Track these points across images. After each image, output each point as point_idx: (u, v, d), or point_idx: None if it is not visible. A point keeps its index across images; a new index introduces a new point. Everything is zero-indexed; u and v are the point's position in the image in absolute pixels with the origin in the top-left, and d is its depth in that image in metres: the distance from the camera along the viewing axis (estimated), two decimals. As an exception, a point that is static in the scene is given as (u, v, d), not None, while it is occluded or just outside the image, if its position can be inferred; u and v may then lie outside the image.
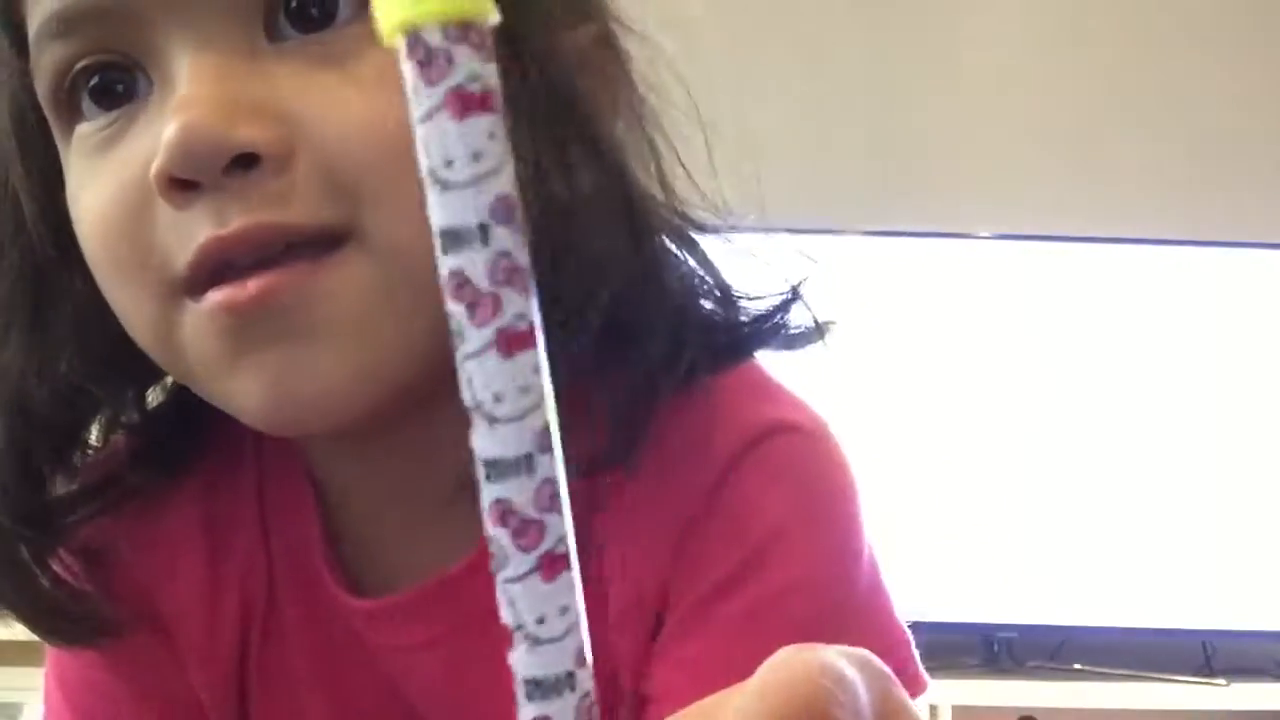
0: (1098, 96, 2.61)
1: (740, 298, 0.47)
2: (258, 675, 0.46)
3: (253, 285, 0.37)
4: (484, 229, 0.19)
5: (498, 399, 0.19)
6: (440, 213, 0.19)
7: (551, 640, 0.20)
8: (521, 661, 0.20)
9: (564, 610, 0.20)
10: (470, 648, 0.42)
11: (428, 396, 0.40)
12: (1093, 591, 2.14)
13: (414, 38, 0.19)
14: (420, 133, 0.19)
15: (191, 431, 0.46)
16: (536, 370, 0.19)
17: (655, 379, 0.42)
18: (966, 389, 2.21)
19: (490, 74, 0.19)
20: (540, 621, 0.20)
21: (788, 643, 0.22)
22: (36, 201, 0.41)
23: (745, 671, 0.22)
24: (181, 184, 0.36)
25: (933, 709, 1.88)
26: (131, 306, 0.40)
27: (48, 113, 0.41)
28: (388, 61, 0.20)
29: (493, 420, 0.19)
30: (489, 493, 0.19)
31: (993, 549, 2.15)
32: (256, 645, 0.46)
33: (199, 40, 0.37)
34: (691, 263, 0.46)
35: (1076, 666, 2.07)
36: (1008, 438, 2.20)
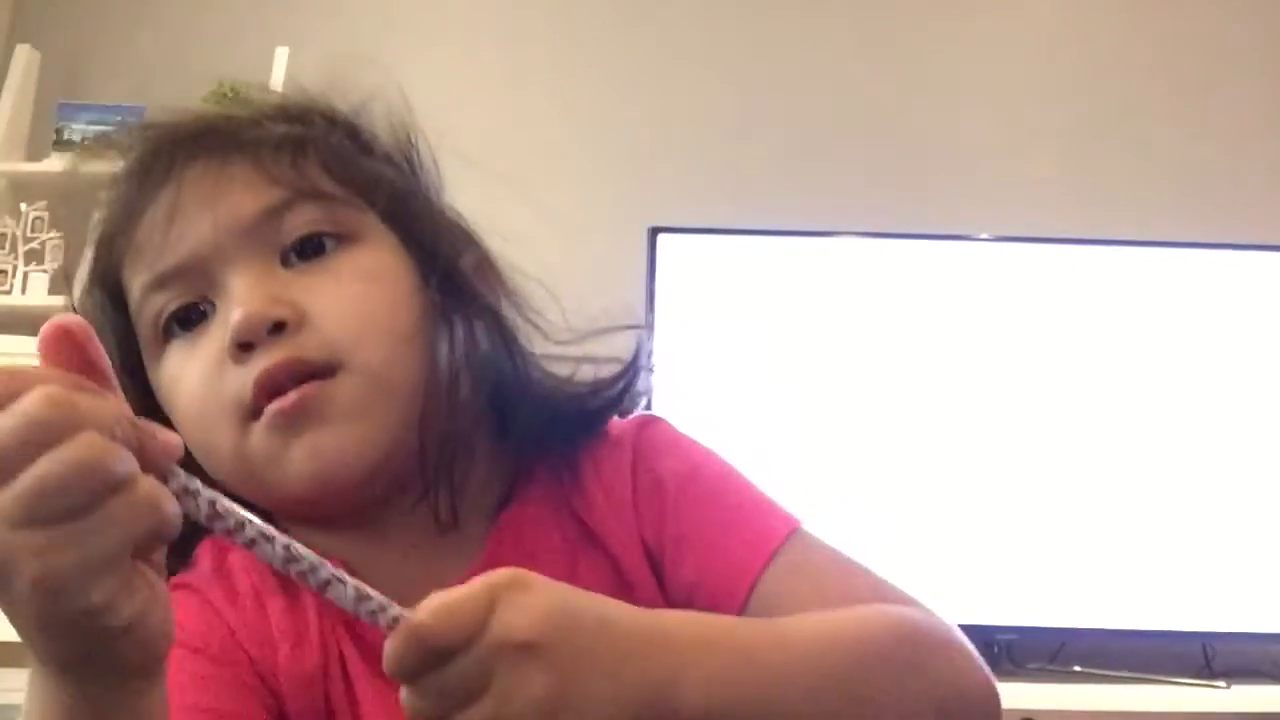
0: (1096, 99, 2.61)
1: (592, 389, 0.70)
2: (339, 705, 0.61)
3: (291, 395, 0.60)
4: None
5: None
6: None
7: None
8: None
9: None
10: None
11: (403, 472, 0.64)
12: (1092, 593, 2.14)
13: None
14: None
15: None
16: None
17: (574, 436, 0.70)
18: (966, 391, 2.21)
19: None
20: None
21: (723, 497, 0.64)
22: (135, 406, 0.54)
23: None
24: (242, 346, 0.60)
25: (933, 711, 1.88)
26: (217, 442, 0.62)
27: (147, 343, 0.64)
28: (355, 267, 0.59)
29: None
30: None
31: (993, 551, 2.15)
32: (336, 681, 0.62)
33: (242, 273, 0.62)
34: (554, 373, 0.70)
35: (1076, 668, 2.07)
36: (1008, 440, 2.19)
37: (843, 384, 2.20)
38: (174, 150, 0.64)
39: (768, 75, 2.64)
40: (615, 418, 0.71)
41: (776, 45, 2.66)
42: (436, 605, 0.45)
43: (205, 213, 0.62)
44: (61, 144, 2.53)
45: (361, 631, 0.61)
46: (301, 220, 0.64)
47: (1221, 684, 1.96)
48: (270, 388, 0.60)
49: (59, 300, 2.68)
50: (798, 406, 2.18)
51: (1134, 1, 2.68)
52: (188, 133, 0.65)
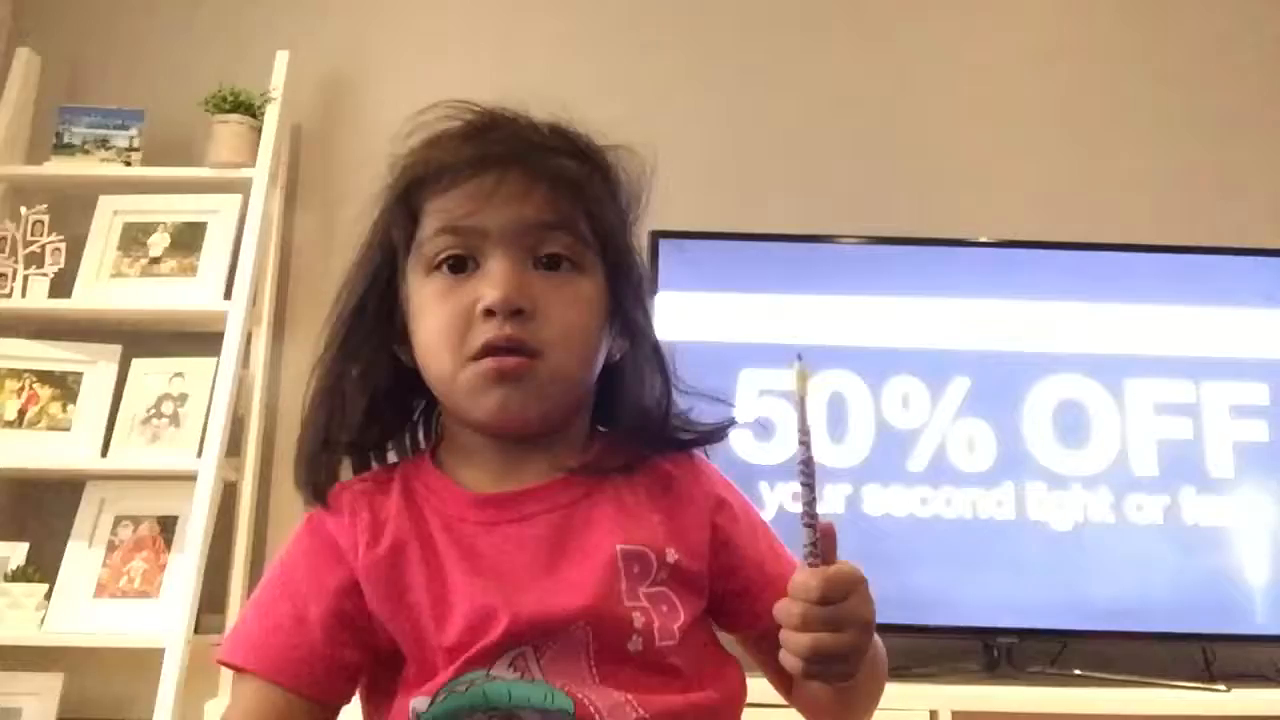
0: (1095, 105, 2.61)
1: (687, 425, 0.96)
2: (444, 542, 0.87)
3: (510, 361, 0.85)
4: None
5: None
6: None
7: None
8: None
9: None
10: (556, 525, 0.88)
11: (551, 427, 0.91)
12: (1093, 597, 2.14)
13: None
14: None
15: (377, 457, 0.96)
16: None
17: (656, 446, 0.95)
18: (966, 394, 2.21)
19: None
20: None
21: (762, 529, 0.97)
22: (377, 311, 0.93)
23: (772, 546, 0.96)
24: (488, 313, 0.85)
25: (933, 714, 1.88)
26: (441, 363, 0.87)
27: (418, 261, 0.90)
28: (576, 291, 0.89)
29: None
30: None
31: (993, 555, 2.15)
32: (440, 534, 0.88)
33: (507, 258, 0.87)
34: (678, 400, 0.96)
35: (1076, 672, 2.07)
36: (1008, 442, 2.19)
37: (843, 387, 2.21)
38: (510, 151, 0.89)
39: (767, 80, 2.64)
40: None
41: (776, 50, 2.66)
42: (846, 566, 0.83)
43: (508, 206, 0.86)
44: (62, 147, 2.53)
45: (445, 524, 0.89)
46: (557, 243, 0.88)
47: (1221, 687, 1.96)
48: (491, 347, 0.85)
49: (58, 304, 2.67)
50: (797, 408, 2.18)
51: (1132, 7, 2.69)
52: (526, 144, 0.90)
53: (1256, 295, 2.26)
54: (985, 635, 2.14)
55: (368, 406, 0.92)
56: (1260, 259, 2.29)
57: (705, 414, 0.96)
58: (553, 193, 0.88)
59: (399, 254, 0.91)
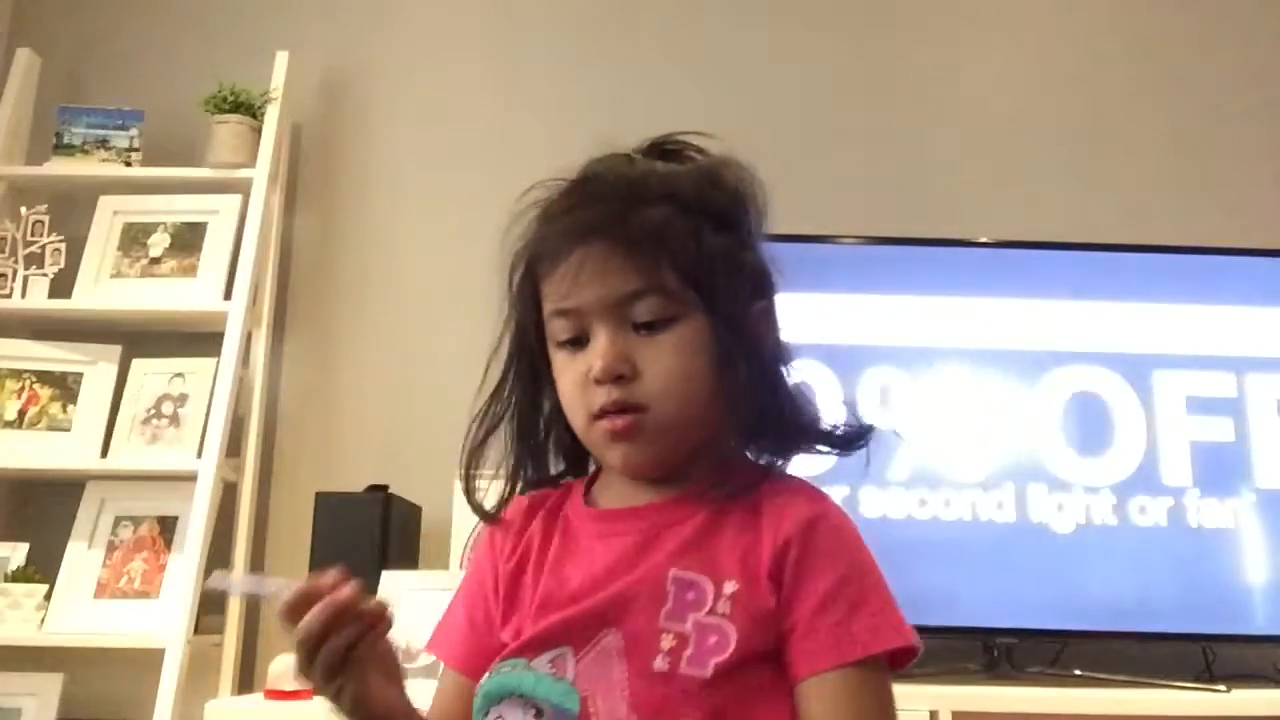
0: (1093, 105, 2.62)
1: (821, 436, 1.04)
2: (556, 547, 0.99)
3: (618, 422, 0.95)
4: None
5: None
6: None
7: None
8: None
9: None
10: (636, 541, 0.95)
11: (678, 466, 0.98)
12: (1092, 597, 2.14)
13: None
14: None
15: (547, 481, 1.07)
16: None
17: (787, 453, 1.02)
18: (966, 395, 2.21)
19: None
20: None
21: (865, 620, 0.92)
22: (526, 370, 1.03)
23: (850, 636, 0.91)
24: (598, 380, 0.94)
25: (933, 714, 1.88)
26: (576, 421, 0.98)
27: (549, 336, 0.99)
28: (676, 342, 0.95)
29: None
30: None
31: (993, 555, 2.15)
32: (558, 540, 1.00)
33: (606, 330, 0.95)
34: (803, 406, 1.02)
35: (1077, 672, 2.07)
36: (1008, 443, 2.20)
37: (843, 388, 2.21)
38: (592, 222, 0.95)
39: (766, 80, 2.64)
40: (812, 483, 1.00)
41: (775, 51, 2.67)
42: None
43: (594, 284, 0.95)
44: (61, 148, 2.53)
45: (564, 529, 1.01)
46: (647, 309, 0.95)
47: (1221, 688, 1.96)
48: (606, 412, 0.95)
49: (58, 304, 2.67)
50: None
51: (1129, 8, 2.69)
52: (609, 207, 0.96)
53: (1258, 295, 2.26)
54: (985, 635, 2.14)
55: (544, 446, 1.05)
56: (1261, 259, 2.29)
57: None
58: (634, 259, 0.94)
59: (538, 326, 1.01)
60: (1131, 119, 2.60)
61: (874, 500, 2.16)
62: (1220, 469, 2.19)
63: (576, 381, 0.97)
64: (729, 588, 0.90)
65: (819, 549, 0.93)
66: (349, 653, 0.87)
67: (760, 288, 1.04)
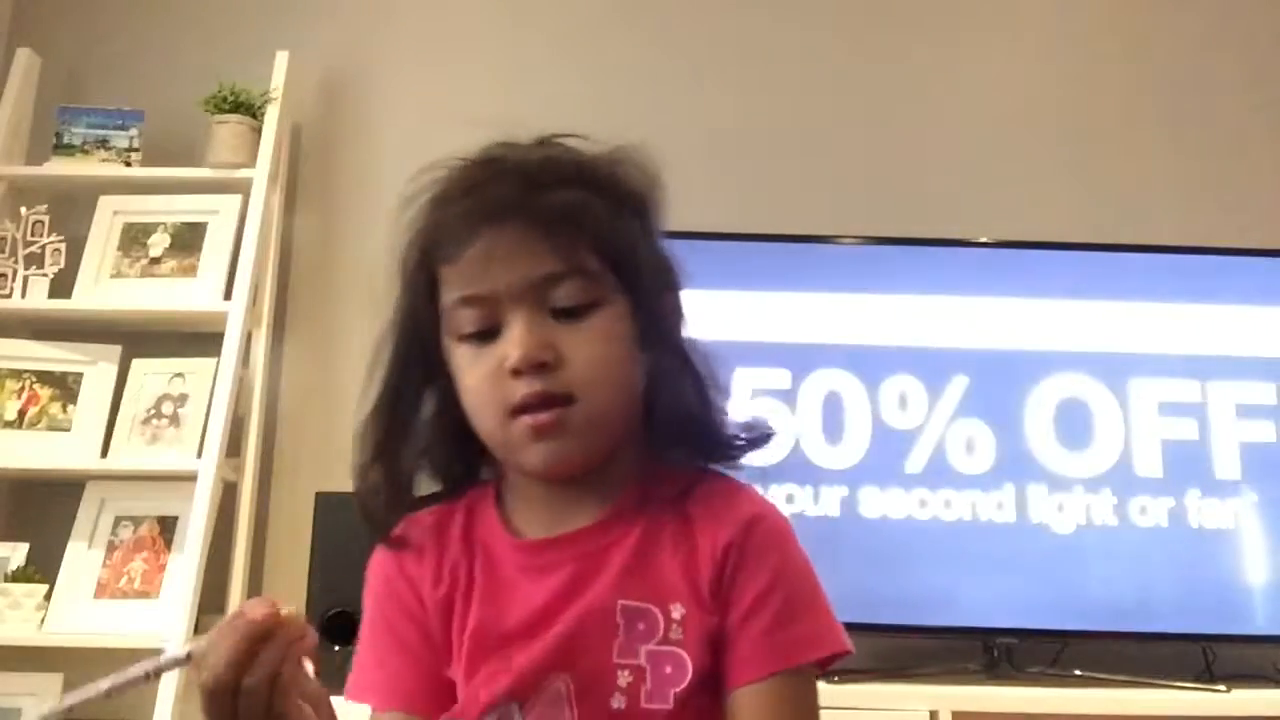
0: (1093, 105, 2.61)
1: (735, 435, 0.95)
2: (481, 583, 0.90)
3: (543, 416, 0.86)
4: None
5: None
6: None
7: None
8: None
9: None
10: (572, 572, 0.88)
11: (594, 468, 0.91)
12: (1093, 597, 2.14)
13: None
14: None
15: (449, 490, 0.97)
16: None
17: (710, 456, 0.94)
18: (966, 395, 2.21)
19: None
20: None
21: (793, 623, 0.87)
22: (418, 370, 0.93)
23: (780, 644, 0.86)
24: (515, 372, 0.86)
25: (933, 714, 1.88)
26: (486, 419, 0.89)
27: (448, 330, 0.90)
28: (599, 329, 0.88)
29: None
30: None
31: (993, 556, 2.15)
32: (480, 574, 0.91)
33: (523, 317, 0.87)
34: (720, 405, 0.94)
35: (1077, 672, 2.07)
36: (1008, 443, 2.19)
37: (840, 388, 2.21)
38: (503, 204, 0.87)
39: (767, 81, 2.64)
40: (746, 483, 0.94)
41: (776, 51, 2.66)
42: None
43: (508, 267, 0.87)
44: (61, 148, 2.53)
45: (488, 564, 0.92)
46: (567, 292, 0.87)
47: (1221, 688, 1.96)
48: (526, 404, 0.87)
49: (58, 304, 2.67)
50: (797, 411, 2.18)
51: (1129, 8, 2.69)
52: (519, 190, 0.87)
53: (1258, 294, 2.26)
54: (985, 635, 2.14)
55: (428, 457, 0.95)
56: (1261, 259, 2.29)
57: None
58: (551, 239, 0.86)
59: (431, 320, 0.92)
60: (1131, 119, 2.60)
61: (874, 500, 2.16)
62: (1223, 468, 2.19)
63: (487, 376, 0.87)
64: (676, 612, 0.86)
65: (753, 554, 0.88)
66: (273, 693, 0.69)
67: (670, 279, 0.95)
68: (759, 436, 0.94)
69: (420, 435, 0.94)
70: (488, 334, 0.88)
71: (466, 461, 0.96)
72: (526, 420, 0.86)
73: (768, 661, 0.85)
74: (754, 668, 0.85)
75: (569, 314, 0.87)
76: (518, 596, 0.89)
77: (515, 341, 0.86)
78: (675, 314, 0.94)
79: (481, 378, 0.88)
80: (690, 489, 0.91)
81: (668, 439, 0.92)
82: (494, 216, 0.87)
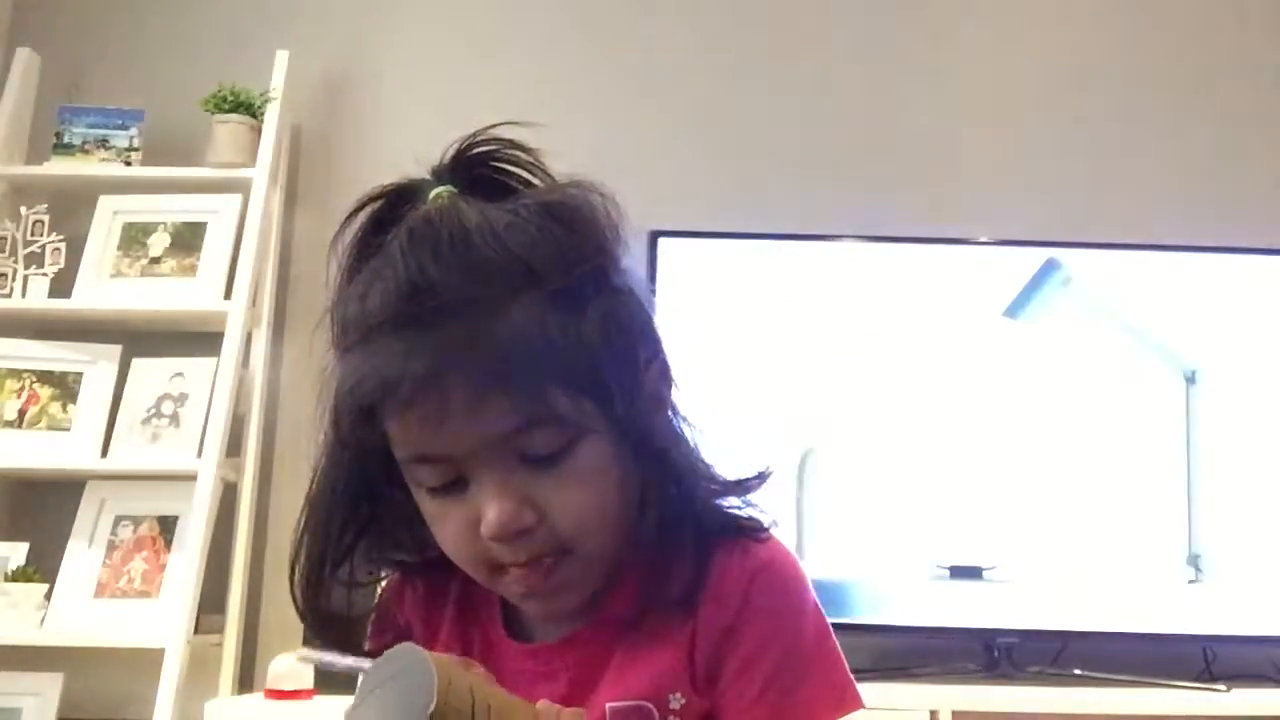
0: (1095, 104, 2.61)
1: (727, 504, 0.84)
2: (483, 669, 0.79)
3: (535, 577, 0.77)
4: None
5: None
6: None
7: None
8: None
9: None
10: (570, 679, 0.82)
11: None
12: (1093, 597, 2.14)
13: None
14: None
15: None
16: None
17: (703, 544, 0.82)
18: (967, 395, 2.21)
19: None
20: None
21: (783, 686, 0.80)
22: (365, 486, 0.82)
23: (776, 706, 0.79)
24: (495, 539, 0.76)
25: (933, 714, 1.88)
26: (470, 571, 0.80)
27: (408, 478, 0.79)
28: (581, 468, 0.75)
29: None
30: None
31: (993, 556, 2.15)
32: (477, 659, 0.79)
33: (494, 472, 0.75)
34: (708, 485, 0.83)
35: (1077, 672, 2.07)
36: (1009, 444, 2.20)
37: (843, 388, 2.21)
38: (432, 362, 0.72)
39: (768, 79, 2.64)
40: (755, 523, 0.85)
41: (777, 49, 2.66)
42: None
43: (467, 425, 0.73)
44: (62, 147, 2.53)
45: (485, 656, 0.84)
46: (541, 440, 0.75)
47: (1221, 687, 1.96)
48: (516, 564, 0.78)
49: (58, 304, 2.67)
50: (798, 411, 2.18)
51: (1129, 8, 2.68)
52: (445, 344, 0.72)
53: (1258, 294, 2.26)
54: (985, 635, 2.14)
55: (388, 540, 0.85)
56: (1261, 258, 2.29)
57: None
58: (509, 387, 0.73)
59: (382, 453, 0.79)
60: (1131, 119, 2.60)
61: (877, 502, 2.16)
62: (1219, 468, 2.19)
63: (462, 533, 0.77)
64: (675, 703, 0.80)
65: (755, 614, 0.80)
66: None
67: (648, 339, 0.82)
68: (753, 486, 0.84)
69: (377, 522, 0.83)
70: (454, 485, 0.77)
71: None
72: (517, 575, 0.78)
73: None
74: None
75: (545, 460, 0.75)
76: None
77: (488, 505, 0.75)
78: (660, 383, 0.83)
79: (455, 534, 0.78)
80: (699, 580, 0.81)
81: (663, 542, 0.81)
82: (437, 370, 0.72)
